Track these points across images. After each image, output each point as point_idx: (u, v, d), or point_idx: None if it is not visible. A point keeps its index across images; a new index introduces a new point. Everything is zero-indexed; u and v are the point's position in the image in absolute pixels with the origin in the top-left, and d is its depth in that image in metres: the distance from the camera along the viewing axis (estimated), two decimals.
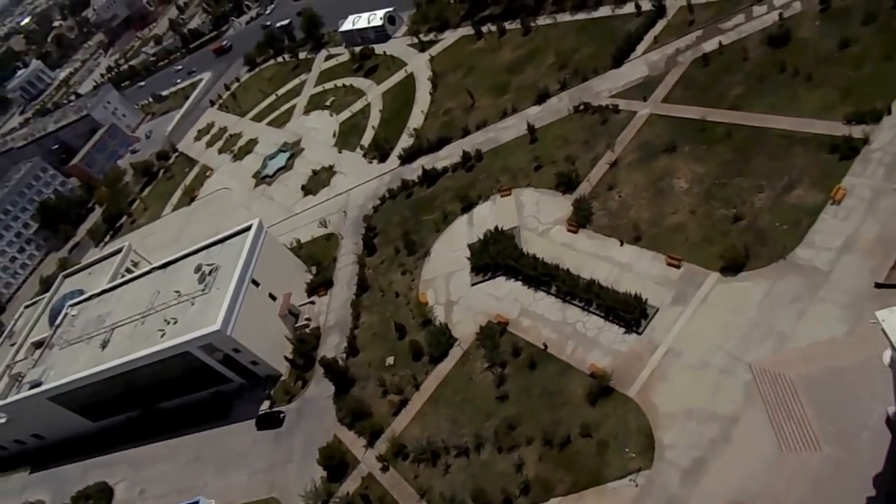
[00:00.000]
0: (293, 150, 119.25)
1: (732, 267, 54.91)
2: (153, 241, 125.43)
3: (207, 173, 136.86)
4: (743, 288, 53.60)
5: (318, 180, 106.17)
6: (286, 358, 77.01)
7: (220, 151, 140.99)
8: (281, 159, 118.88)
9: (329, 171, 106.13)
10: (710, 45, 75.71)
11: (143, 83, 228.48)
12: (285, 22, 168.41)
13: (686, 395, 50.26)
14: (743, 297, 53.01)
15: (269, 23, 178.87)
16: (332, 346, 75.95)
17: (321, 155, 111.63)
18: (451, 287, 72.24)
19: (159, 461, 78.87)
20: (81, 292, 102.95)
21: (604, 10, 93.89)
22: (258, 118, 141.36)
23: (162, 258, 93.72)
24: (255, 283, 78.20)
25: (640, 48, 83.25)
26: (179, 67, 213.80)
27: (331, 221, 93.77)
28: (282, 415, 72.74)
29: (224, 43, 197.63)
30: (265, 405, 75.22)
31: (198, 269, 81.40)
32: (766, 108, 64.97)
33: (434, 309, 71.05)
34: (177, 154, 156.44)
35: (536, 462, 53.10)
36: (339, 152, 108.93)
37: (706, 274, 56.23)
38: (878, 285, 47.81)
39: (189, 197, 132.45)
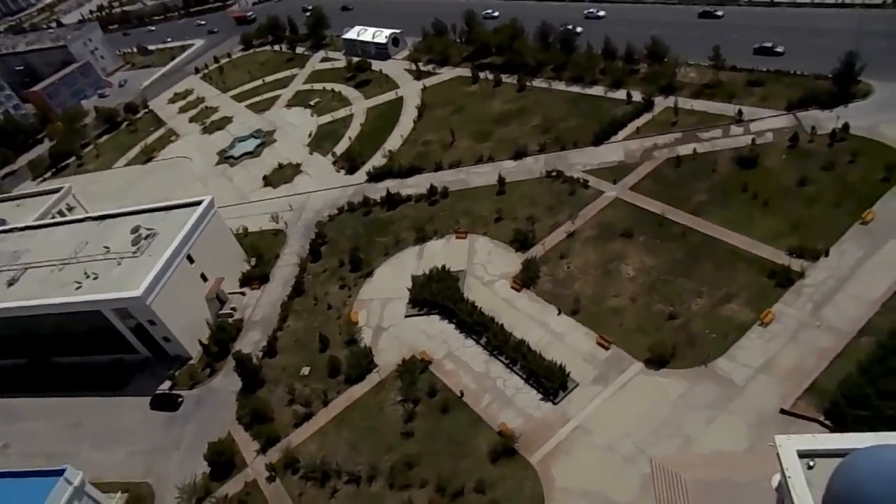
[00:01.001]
0: (265, 138, 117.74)
1: (657, 361, 56.52)
2: (96, 190, 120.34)
3: (172, 138, 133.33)
4: (663, 384, 55.10)
5: (281, 174, 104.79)
6: (201, 342, 74.25)
7: (192, 120, 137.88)
8: (250, 144, 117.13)
9: (295, 169, 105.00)
10: (685, 149, 79.35)
11: (143, 29, 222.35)
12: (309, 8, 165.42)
13: (585, 474, 50.74)
14: (661, 393, 54.42)
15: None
16: (250, 342, 73.78)
17: (292, 151, 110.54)
18: (385, 313, 71.65)
19: (36, 418, 73.92)
20: (3, 222, 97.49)
21: (597, 90, 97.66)
22: (239, 98, 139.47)
23: (101, 210, 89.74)
24: (190, 260, 75.70)
25: (622, 134, 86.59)
26: (203, 22, 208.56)
27: (283, 218, 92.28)
28: (180, 399, 69.72)
29: (249, 14, 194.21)
30: (165, 385, 72.01)
31: (135, 230, 78.35)
32: (722, 220, 68.11)
33: (363, 330, 70.19)
34: (146, 111, 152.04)
35: None
36: (311, 153, 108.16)
37: (631, 362, 57.62)
38: (783, 411, 49.98)
39: (147, 156, 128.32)
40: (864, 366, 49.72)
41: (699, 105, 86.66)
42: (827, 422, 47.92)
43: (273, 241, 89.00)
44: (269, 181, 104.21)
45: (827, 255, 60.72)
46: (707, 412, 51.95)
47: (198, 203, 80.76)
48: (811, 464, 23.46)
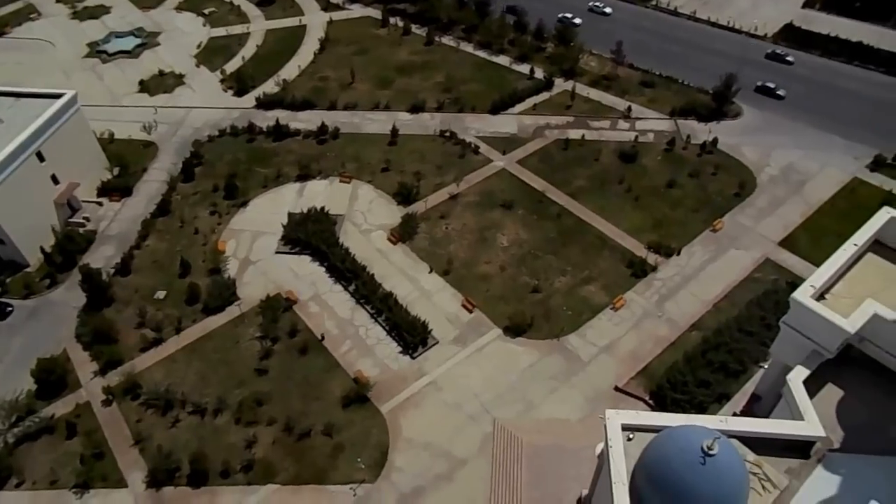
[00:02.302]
0: (147, 39, 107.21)
1: (515, 330, 59.56)
2: None
3: (32, 15, 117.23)
4: (516, 352, 58.27)
5: (161, 83, 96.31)
6: (42, 250, 67.56)
7: (60, 0, 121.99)
8: (128, 43, 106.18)
9: (177, 80, 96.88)
10: (575, 134, 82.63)
11: None
12: None
13: (431, 428, 52.87)
14: (513, 360, 57.57)
15: None
16: (102, 257, 68.35)
17: (176, 59, 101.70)
18: (255, 246, 69.17)
19: None
20: None
21: (503, 59, 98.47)
22: None
23: None
24: (40, 158, 68.15)
25: (519, 107, 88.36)
26: None
27: (156, 129, 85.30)
28: (9, 308, 63.47)
29: None
30: None
31: None
32: (596, 207, 72.19)
33: (229, 261, 67.42)
34: None
35: (269, 444, 52.03)
36: (197, 66, 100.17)
37: (491, 327, 60.25)
38: (616, 389, 54.91)
39: None
40: (689, 356, 55.62)
41: (595, 94, 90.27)
42: (650, 401, 53.31)
43: (142, 153, 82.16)
44: (145, 87, 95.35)
45: (678, 254, 66.57)
46: (551, 382, 55.77)
47: (57, 96, 72.34)
48: (630, 437, 25.96)
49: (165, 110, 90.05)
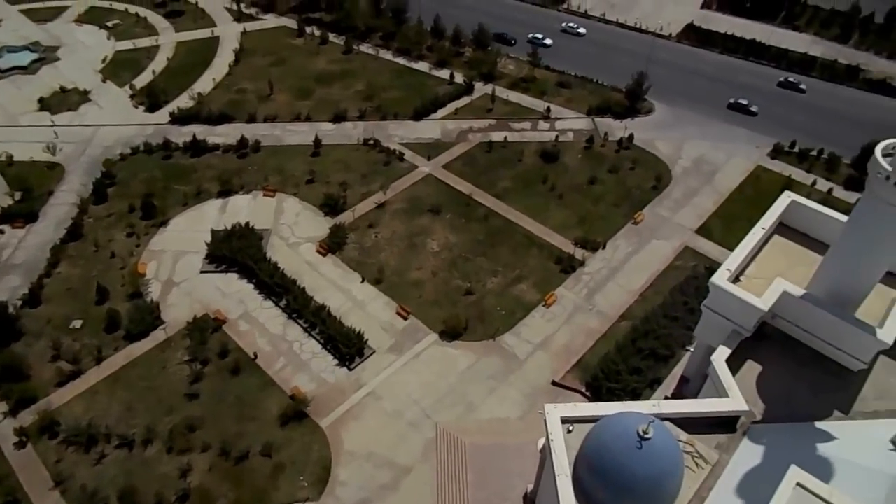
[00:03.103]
0: (45, 54, 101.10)
1: (451, 333, 59.82)
2: None
3: None
4: (453, 355, 58.50)
5: (64, 100, 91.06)
6: None
7: None
8: (23, 58, 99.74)
9: (82, 96, 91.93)
10: (497, 136, 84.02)
11: None
12: None
13: (372, 438, 52.26)
14: (451, 363, 57.76)
15: None
16: (7, 288, 63.75)
17: (79, 75, 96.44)
18: (177, 266, 66.42)
19: None
20: None
21: (422, 66, 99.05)
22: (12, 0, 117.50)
23: None
24: None
25: (441, 112, 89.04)
26: None
27: (61, 149, 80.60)
28: None
29: None
30: None
31: None
32: (522, 207, 73.57)
33: (150, 283, 64.44)
34: None
35: (205, 471, 49.94)
36: (104, 81, 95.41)
37: (427, 333, 60.26)
38: (554, 383, 56.07)
39: None
40: (619, 346, 57.52)
41: (514, 96, 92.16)
42: (587, 393, 54.70)
43: (47, 176, 77.33)
44: (46, 105, 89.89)
45: (604, 248, 68.78)
46: (490, 382, 56.30)
47: None
48: (570, 429, 26.46)
49: (71, 129, 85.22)
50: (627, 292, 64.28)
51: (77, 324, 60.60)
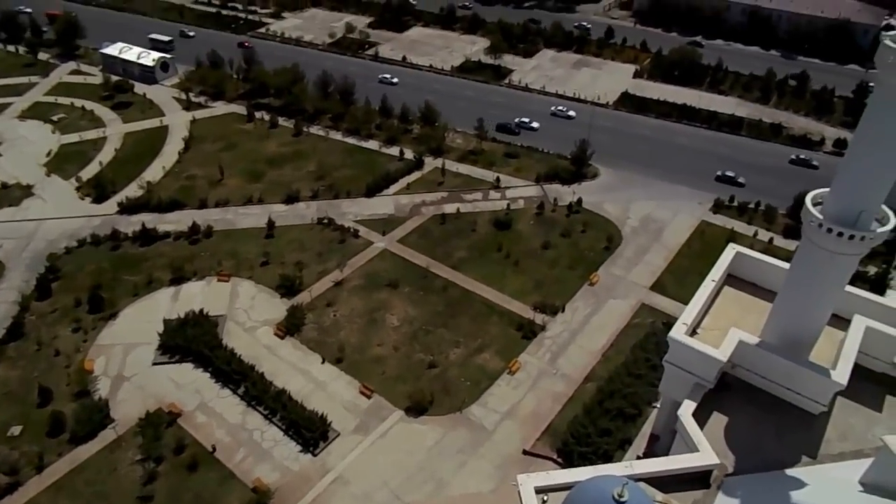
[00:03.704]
0: None
1: (416, 409, 58.42)
2: None
3: None
4: (420, 431, 56.91)
5: (5, 195, 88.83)
6: None
7: None
8: None
9: (25, 190, 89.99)
10: (450, 208, 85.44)
11: None
12: (27, 10, 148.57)
13: None
14: (418, 440, 56.08)
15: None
16: None
17: (22, 170, 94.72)
18: (128, 360, 63.69)
19: None
20: None
21: (372, 144, 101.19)
22: None
23: None
24: None
25: (393, 188, 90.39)
26: None
27: (1, 246, 77.96)
28: None
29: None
30: None
31: None
32: (479, 276, 74.08)
33: (98, 380, 61.38)
34: None
35: None
36: (48, 175, 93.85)
37: (392, 410, 58.70)
38: (525, 452, 54.89)
39: None
40: (587, 408, 57.11)
41: (464, 169, 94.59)
42: (559, 459, 53.65)
43: None
44: None
45: (563, 311, 69.37)
46: (459, 456, 54.74)
47: None
48: (545, 499, 25.78)
49: (12, 224, 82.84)
50: (590, 353, 64.49)
51: (16, 430, 56.83)
